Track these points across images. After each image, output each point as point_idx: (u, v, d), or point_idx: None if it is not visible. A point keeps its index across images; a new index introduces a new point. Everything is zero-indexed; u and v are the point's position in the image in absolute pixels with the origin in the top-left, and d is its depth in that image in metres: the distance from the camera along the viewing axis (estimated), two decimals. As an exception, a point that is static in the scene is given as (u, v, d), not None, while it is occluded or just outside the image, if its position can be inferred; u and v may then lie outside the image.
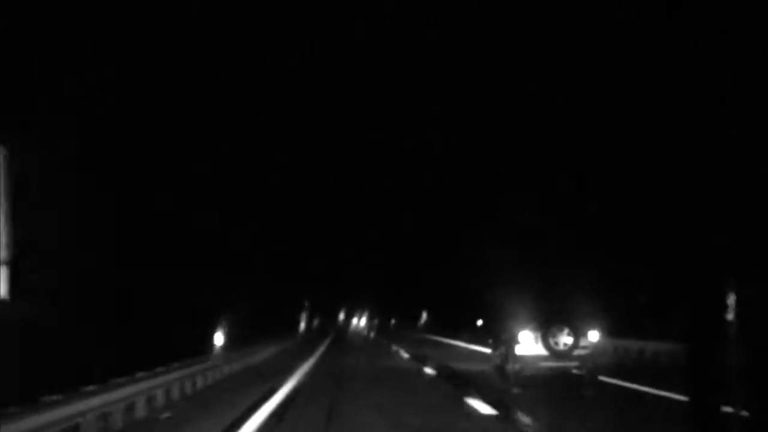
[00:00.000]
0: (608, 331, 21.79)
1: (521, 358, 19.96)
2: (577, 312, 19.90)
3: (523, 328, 20.06)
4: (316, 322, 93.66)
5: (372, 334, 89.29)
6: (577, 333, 19.74)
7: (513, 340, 20.18)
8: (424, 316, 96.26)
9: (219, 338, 26.28)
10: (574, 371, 20.50)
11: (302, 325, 52.19)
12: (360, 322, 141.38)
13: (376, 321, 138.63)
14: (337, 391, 19.77)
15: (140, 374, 14.57)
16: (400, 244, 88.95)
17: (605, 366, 20.63)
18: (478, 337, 39.08)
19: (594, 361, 19.88)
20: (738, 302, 9.56)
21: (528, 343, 19.95)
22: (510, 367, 20.38)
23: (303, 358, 31.94)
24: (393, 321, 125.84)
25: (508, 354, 20.56)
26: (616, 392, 18.95)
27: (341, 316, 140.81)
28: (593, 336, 19.91)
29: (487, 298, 25.46)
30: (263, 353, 32.63)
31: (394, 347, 43.91)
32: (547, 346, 19.74)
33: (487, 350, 28.93)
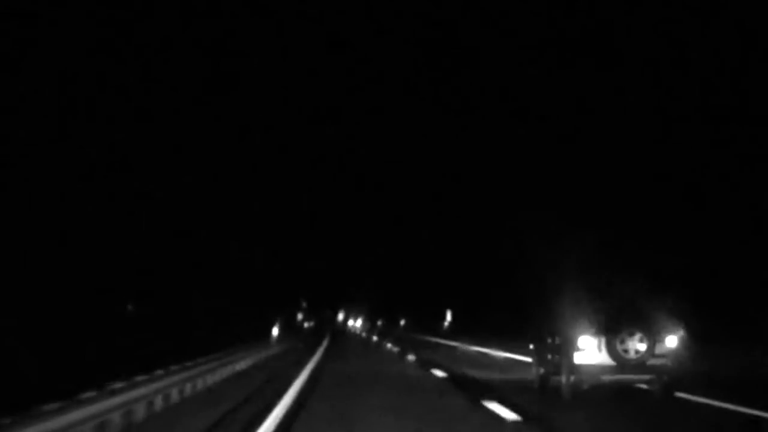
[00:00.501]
0: (694, 335, 17.90)
1: (580, 368, 16.16)
2: (654, 311, 16.11)
3: (583, 331, 16.26)
4: (306, 324, 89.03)
5: (375, 338, 65.98)
6: (653, 338, 15.93)
7: (569, 347, 16.38)
8: (448, 317, 78.61)
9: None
10: (645, 386, 16.75)
11: (275, 332, 40.20)
12: (356, 322, 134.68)
13: (380, 323, 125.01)
14: None
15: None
16: (416, 242, 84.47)
17: (686, 378, 16.76)
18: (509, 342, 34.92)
19: (671, 373, 16.07)
20: None
21: (588, 351, 16.15)
22: (564, 379, 16.58)
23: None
24: (402, 322, 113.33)
25: (562, 363, 16.76)
26: (703, 413, 15.10)
27: (341, 316, 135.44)
28: (672, 341, 16.10)
29: (528, 296, 21.57)
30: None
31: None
32: (613, 354, 15.93)
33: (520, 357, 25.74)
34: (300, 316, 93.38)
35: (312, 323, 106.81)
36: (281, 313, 44.80)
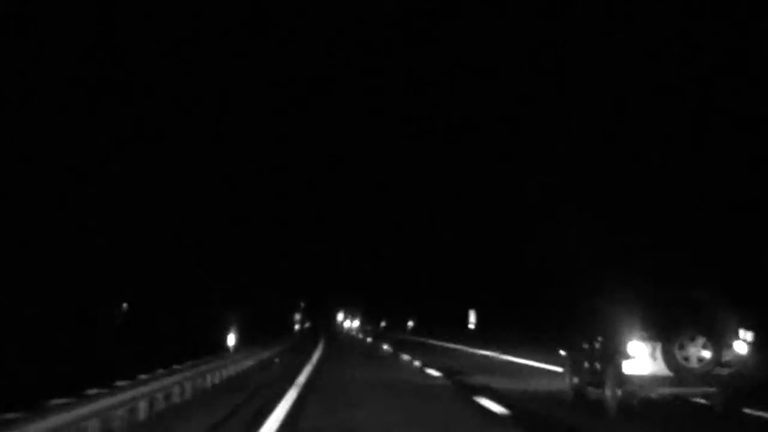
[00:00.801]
0: (763, 340, 15.36)
1: (629, 379, 13.60)
2: (719, 312, 13.60)
3: (633, 336, 13.71)
4: (297, 327, 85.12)
5: (386, 348, 45.69)
6: (719, 343, 13.38)
7: (617, 354, 13.83)
8: (472, 317, 59.96)
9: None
10: (703, 400, 14.21)
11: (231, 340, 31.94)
12: (353, 323, 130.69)
13: (383, 324, 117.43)
14: None
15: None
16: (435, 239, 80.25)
17: (756, 390, 14.20)
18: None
19: (739, 385, 13.53)
20: None
21: (640, 359, 13.60)
22: (609, 392, 14.04)
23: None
24: (410, 323, 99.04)
25: (606, 373, 14.22)
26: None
27: (340, 317, 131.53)
28: (740, 347, 13.56)
29: (561, 295, 18.96)
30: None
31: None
32: (671, 362, 13.37)
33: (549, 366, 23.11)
34: (297, 317, 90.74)
35: (308, 324, 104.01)
36: (240, 311, 37.48)
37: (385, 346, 47.17)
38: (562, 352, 17.34)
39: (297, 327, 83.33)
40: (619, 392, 13.78)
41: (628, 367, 13.56)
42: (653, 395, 13.77)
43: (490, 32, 68.83)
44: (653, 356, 13.51)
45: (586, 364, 15.55)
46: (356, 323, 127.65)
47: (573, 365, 16.33)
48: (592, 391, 15.57)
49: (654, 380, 13.50)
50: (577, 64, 49.01)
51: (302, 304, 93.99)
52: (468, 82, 74.76)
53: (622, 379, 13.65)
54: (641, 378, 13.51)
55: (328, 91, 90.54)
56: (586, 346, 15.69)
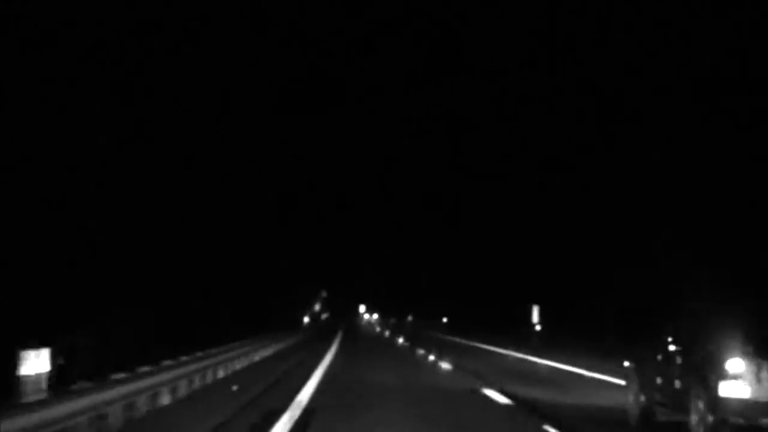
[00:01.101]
0: None
1: (725, 403, 11.11)
2: None
3: (734, 352, 11.22)
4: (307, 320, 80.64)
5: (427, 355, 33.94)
6: None
7: (710, 372, 11.35)
8: (535, 316, 43.19)
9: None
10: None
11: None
12: (372, 317, 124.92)
13: (410, 318, 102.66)
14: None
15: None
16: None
17: None
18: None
19: None
20: None
21: (743, 380, 11.11)
22: (695, 418, 11.57)
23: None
24: (445, 320, 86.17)
25: (693, 394, 11.73)
26: None
27: (361, 309, 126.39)
28: None
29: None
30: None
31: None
32: (784, 386, 10.90)
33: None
34: (317, 307, 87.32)
35: (327, 315, 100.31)
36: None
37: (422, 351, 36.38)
38: (627, 364, 14.81)
39: (306, 320, 75.39)
40: (711, 418, 11.31)
41: (726, 389, 11.07)
42: (754, 424, 11.26)
43: (491, 32, 67.13)
44: (758, 378, 11.02)
45: (660, 381, 13.09)
46: (375, 316, 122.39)
47: (641, 380, 13.84)
48: (664, 413, 13.15)
49: (757, 407, 11.02)
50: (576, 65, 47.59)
51: (324, 293, 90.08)
52: (468, 82, 72.79)
53: (717, 404, 11.17)
54: (743, 403, 11.03)
55: (328, 90, 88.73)
56: (660, 358, 13.23)
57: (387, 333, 70.58)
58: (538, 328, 44.03)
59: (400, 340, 51.26)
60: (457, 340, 52.37)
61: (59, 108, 30.21)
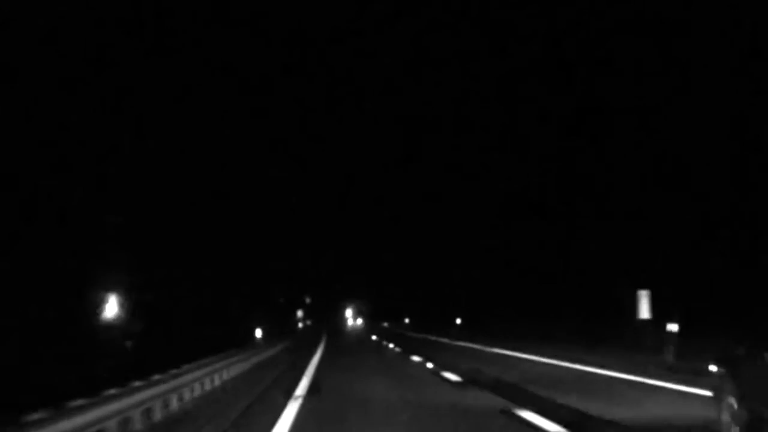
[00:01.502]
0: None
1: None
2: None
3: None
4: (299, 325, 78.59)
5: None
6: None
7: None
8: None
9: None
10: None
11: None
12: (357, 322, 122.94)
13: (407, 320, 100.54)
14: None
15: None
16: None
17: None
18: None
19: None
20: None
21: None
22: None
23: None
24: (459, 321, 76.50)
25: None
26: None
27: (348, 315, 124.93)
28: None
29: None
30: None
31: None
32: None
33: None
34: (299, 314, 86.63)
35: (309, 322, 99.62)
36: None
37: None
38: (714, 368, 12.74)
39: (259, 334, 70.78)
40: None
41: None
42: None
43: (491, 32, 67.01)
44: None
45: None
46: (360, 321, 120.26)
47: (740, 389, 11.86)
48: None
49: None
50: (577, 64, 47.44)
51: (307, 300, 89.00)
52: (468, 81, 72.53)
53: None
54: None
55: (328, 91, 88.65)
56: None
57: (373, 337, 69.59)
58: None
59: (396, 350, 43.13)
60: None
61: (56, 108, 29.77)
